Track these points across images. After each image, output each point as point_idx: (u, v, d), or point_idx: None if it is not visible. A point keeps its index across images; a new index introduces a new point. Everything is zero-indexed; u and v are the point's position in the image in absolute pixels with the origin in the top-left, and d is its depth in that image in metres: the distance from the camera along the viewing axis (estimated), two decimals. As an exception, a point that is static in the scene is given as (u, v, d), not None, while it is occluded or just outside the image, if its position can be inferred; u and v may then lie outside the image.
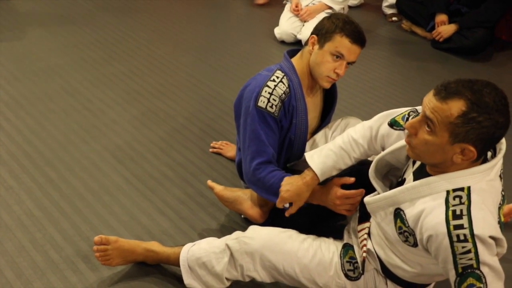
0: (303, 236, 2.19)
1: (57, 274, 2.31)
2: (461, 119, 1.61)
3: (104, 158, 3.05)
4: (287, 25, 4.56)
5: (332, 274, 2.12)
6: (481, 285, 1.66)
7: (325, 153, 2.19)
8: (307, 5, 4.60)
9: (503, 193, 1.80)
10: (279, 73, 2.41)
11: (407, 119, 2.03)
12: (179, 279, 2.26)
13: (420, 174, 1.85)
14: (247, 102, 2.39)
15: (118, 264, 2.29)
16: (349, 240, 2.19)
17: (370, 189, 2.07)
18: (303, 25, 4.54)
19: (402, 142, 1.92)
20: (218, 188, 2.53)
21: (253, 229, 2.20)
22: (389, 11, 5.32)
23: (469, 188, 1.69)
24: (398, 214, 1.84)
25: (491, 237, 1.65)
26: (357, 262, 2.11)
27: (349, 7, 5.13)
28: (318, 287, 2.15)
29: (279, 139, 2.44)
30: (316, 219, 2.48)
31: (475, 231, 1.63)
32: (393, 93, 3.99)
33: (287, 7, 4.69)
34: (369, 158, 2.42)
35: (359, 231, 2.13)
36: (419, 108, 1.96)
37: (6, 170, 2.90)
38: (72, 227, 2.55)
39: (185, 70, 4.08)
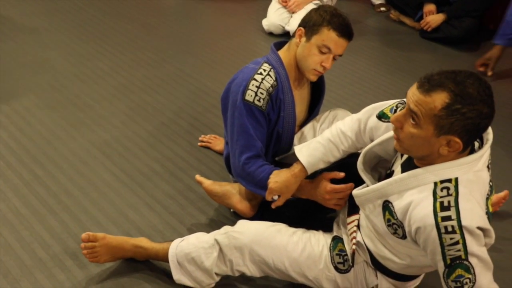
0: (292, 229, 2.18)
1: (45, 272, 2.29)
2: (445, 111, 1.60)
3: (92, 154, 3.03)
4: (275, 17, 4.54)
5: (322, 267, 2.12)
6: (470, 276, 1.66)
7: (313, 146, 2.19)
8: (295, -4, 4.57)
9: (491, 183, 1.79)
10: (266, 66, 2.39)
11: (395, 111, 2.02)
12: (168, 275, 2.25)
13: (408, 166, 1.84)
14: (234, 95, 2.37)
15: (106, 261, 2.28)
16: (338, 233, 2.18)
17: (360, 182, 2.06)
18: (291, 17, 4.51)
19: (390, 133, 1.91)
20: (207, 182, 2.52)
21: (242, 224, 2.19)
22: (377, 1, 5.31)
23: (456, 179, 1.68)
24: (387, 207, 1.84)
25: (479, 228, 1.65)
26: (347, 255, 2.10)
27: (337, -3, 5.11)
28: (308, 280, 2.14)
29: (267, 132, 2.43)
30: (305, 212, 2.48)
31: (463, 222, 1.63)
32: (382, 83, 3.98)
33: (275, -2, 4.66)
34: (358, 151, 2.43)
35: (349, 224, 2.13)
36: (407, 99, 1.95)
37: (-8, 168, 2.88)
38: (60, 224, 2.53)
39: (173, 63, 4.06)
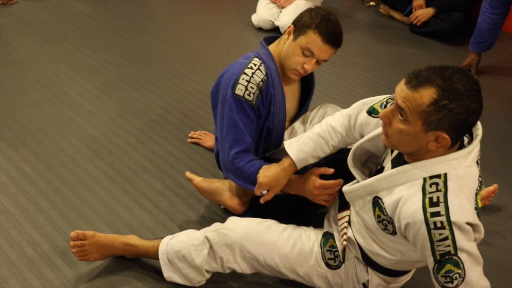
0: (282, 226, 2.18)
1: (34, 271, 2.28)
2: (433, 107, 1.60)
3: (81, 151, 3.01)
4: (265, 12, 4.52)
5: (313, 263, 2.12)
6: (459, 271, 1.66)
7: (303, 141, 2.18)
8: (284, -9, 4.56)
9: (480, 179, 1.79)
10: (256, 61, 2.38)
11: (385, 106, 2.02)
12: (159, 272, 2.24)
13: (398, 162, 1.84)
14: (224, 90, 2.36)
15: (96, 259, 2.26)
16: (329, 229, 2.18)
17: (350, 178, 2.06)
18: (281, 12, 4.50)
19: (380, 129, 1.90)
20: (197, 179, 2.51)
21: (232, 221, 2.18)
22: (366, -4, 5.30)
23: (445, 175, 1.69)
24: (377, 203, 1.84)
25: (468, 224, 1.65)
26: (337, 251, 2.10)
27: (327, -8, 5.10)
28: (299, 276, 2.14)
29: (257, 127, 2.42)
30: (296, 208, 2.47)
31: (452, 218, 1.63)
32: (372, 78, 3.98)
33: (264, -7, 4.65)
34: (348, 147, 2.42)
35: (339, 220, 2.13)
36: (397, 95, 1.95)
37: (-20, 166, 2.85)
38: (49, 223, 2.52)
39: (162, 59, 4.03)
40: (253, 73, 2.33)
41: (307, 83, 2.62)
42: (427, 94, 1.61)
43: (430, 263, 1.71)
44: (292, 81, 2.51)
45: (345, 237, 2.06)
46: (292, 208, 2.47)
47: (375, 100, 2.09)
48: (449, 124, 1.61)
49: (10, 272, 2.27)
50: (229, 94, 2.32)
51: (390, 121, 1.71)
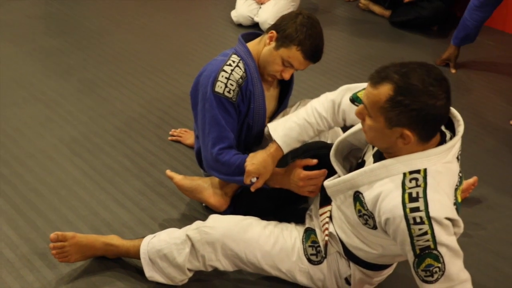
0: (264, 223, 2.17)
1: (13, 273, 2.25)
2: (389, 103, 1.63)
3: (60, 151, 2.98)
4: (244, 8, 4.51)
5: (295, 259, 2.12)
6: (439, 265, 1.67)
7: (289, 126, 2.18)
8: (263, -13, 4.55)
9: (460, 174, 1.80)
10: (235, 58, 2.37)
11: None
12: (140, 272, 2.22)
13: (379, 156, 1.85)
14: (203, 88, 2.34)
15: (76, 260, 2.24)
16: (311, 224, 2.18)
17: (332, 173, 2.06)
18: (260, 8, 4.49)
19: None
20: (178, 177, 2.49)
21: (213, 218, 2.17)
22: (346, -10, 5.31)
23: (425, 170, 1.69)
24: (357, 197, 1.84)
25: (447, 218, 1.66)
26: (319, 246, 2.11)
27: (306, -13, 5.10)
28: (281, 273, 2.14)
29: (238, 124, 2.41)
30: (278, 204, 2.47)
31: (431, 214, 1.64)
32: (352, 73, 3.98)
33: (243, -11, 4.63)
34: (328, 141, 2.43)
35: (321, 215, 2.13)
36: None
37: (-43, 168, 2.81)
38: (28, 224, 2.49)
39: (140, 57, 4.01)
40: (232, 70, 2.32)
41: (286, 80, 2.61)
42: (384, 91, 1.63)
43: (410, 257, 1.71)
44: (271, 78, 2.51)
45: (326, 232, 2.06)
46: (275, 204, 2.47)
47: (359, 87, 2.10)
48: (408, 120, 1.63)
49: (-11, 275, 2.24)
50: (209, 91, 2.31)
51: (363, 117, 1.74)
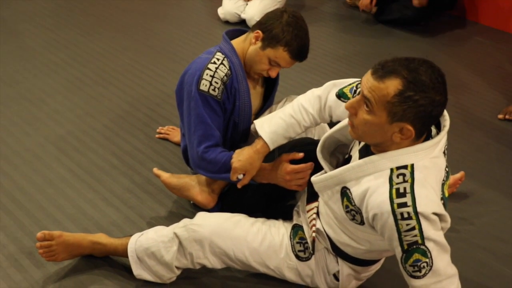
0: (251, 220, 2.17)
1: (0, 272, 2.23)
2: (398, 98, 1.61)
3: (47, 150, 2.96)
4: (230, 5, 4.50)
5: (283, 256, 2.12)
6: (427, 260, 1.68)
7: (275, 122, 2.18)
8: (250, -16, 4.54)
9: (447, 169, 1.81)
10: (219, 55, 2.36)
11: (355, 91, 2.04)
12: (128, 270, 2.22)
13: (366, 152, 1.85)
14: (188, 86, 2.34)
15: (64, 259, 2.23)
16: (298, 221, 2.18)
17: (319, 169, 2.06)
18: (247, 4, 4.48)
19: None
20: (165, 175, 2.49)
21: (201, 216, 2.17)
22: (332, -13, 5.31)
23: (412, 165, 1.69)
24: (345, 193, 1.84)
25: (434, 214, 1.66)
26: (307, 243, 2.11)
27: (293, -16, 5.10)
28: (270, 270, 2.14)
29: (223, 122, 2.40)
30: (265, 201, 2.47)
31: (418, 209, 1.64)
32: (339, 69, 3.99)
33: (230, -14, 4.62)
34: (315, 138, 2.43)
35: (308, 211, 2.13)
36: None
37: None
38: (15, 223, 2.47)
39: (127, 54, 3.99)
40: (216, 68, 2.32)
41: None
42: (393, 85, 1.61)
43: (398, 253, 1.72)
44: (256, 75, 2.51)
45: (314, 228, 2.06)
46: (262, 201, 2.47)
47: (345, 83, 2.10)
48: (414, 115, 1.62)
49: (-25, 275, 2.22)
50: (194, 90, 2.30)
51: (356, 112, 1.71)
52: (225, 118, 2.41)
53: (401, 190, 1.67)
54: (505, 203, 2.77)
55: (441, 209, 1.69)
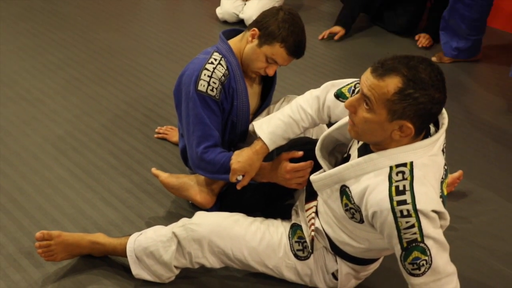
0: (250, 219, 2.17)
1: (-1, 273, 2.24)
2: (398, 95, 1.61)
3: (45, 150, 2.96)
4: (229, 5, 4.51)
5: (282, 255, 2.12)
6: (426, 258, 1.68)
7: (274, 123, 2.18)
8: (248, -16, 4.54)
9: (445, 167, 1.81)
10: (216, 55, 2.37)
11: (353, 91, 2.04)
12: (127, 270, 2.22)
13: (364, 150, 1.85)
14: (186, 87, 2.34)
15: (63, 258, 2.23)
16: (297, 220, 2.18)
17: (318, 168, 2.06)
18: (245, 4, 4.49)
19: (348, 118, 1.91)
20: (163, 175, 2.48)
21: (199, 216, 2.17)
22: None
23: (411, 163, 1.70)
24: (344, 191, 1.84)
25: (434, 211, 1.67)
26: (306, 242, 2.11)
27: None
28: (268, 269, 2.14)
29: (222, 122, 2.40)
30: (264, 201, 2.47)
31: (418, 206, 1.64)
32: (337, 69, 3.99)
33: (228, -14, 4.62)
34: (313, 137, 2.43)
35: (307, 210, 2.13)
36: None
37: None
38: (13, 223, 2.47)
39: (126, 54, 3.99)
40: (214, 68, 2.32)
41: (269, 76, 2.61)
42: (392, 83, 1.61)
43: (398, 251, 1.72)
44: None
45: (312, 227, 2.07)
46: (261, 200, 2.47)
47: (344, 83, 2.10)
48: (414, 113, 1.62)
49: (-26, 275, 2.22)
50: (192, 90, 2.30)
51: (355, 110, 1.71)
52: (223, 118, 2.41)
53: (401, 188, 1.67)
54: (503, 202, 2.78)
55: (440, 207, 1.69)
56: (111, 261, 2.30)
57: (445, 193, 1.80)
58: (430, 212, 1.65)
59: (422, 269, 1.70)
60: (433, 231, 1.67)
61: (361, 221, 1.84)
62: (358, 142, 1.94)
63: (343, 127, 1.98)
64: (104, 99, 3.43)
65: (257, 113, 2.61)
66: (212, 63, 2.33)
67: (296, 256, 2.12)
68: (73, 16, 4.54)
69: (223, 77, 2.33)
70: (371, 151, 1.80)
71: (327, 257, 2.11)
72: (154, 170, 2.49)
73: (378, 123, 1.67)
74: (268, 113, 2.59)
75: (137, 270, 2.18)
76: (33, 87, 3.51)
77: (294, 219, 2.20)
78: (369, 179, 1.75)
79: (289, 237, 2.13)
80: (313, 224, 2.07)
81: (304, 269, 2.12)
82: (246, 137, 2.53)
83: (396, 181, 1.69)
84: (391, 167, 1.72)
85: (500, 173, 2.99)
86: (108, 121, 3.22)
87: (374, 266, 2.18)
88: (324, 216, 2.04)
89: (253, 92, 2.53)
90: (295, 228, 2.14)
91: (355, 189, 1.80)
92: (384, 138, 1.72)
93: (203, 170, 2.35)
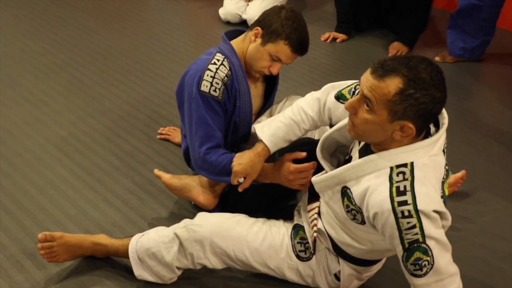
0: (252, 220, 2.17)
1: (1, 273, 2.24)
2: (399, 96, 1.61)
3: (48, 151, 2.96)
4: (232, 5, 4.51)
5: (284, 256, 2.11)
6: (428, 258, 1.68)
7: (275, 125, 2.18)
8: (250, -15, 4.55)
9: (446, 167, 1.81)
10: (219, 56, 2.37)
11: (354, 92, 2.04)
12: (129, 271, 2.22)
13: (365, 152, 1.84)
14: (189, 88, 2.34)
15: (65, 260, 2.23)
16: (299, 221, 2.18)
17: (319, 170, 2.06)
18: (248, 5, 4.49)
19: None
20: (166, 176, 2.48)
21: (201, 216, 2.17)
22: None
23: (412, 163, 1.69)
24: (345, 193, 1.84)
25: (435, 211, 1.66)
26: (308, 243, 2.11)
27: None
28: (270, 270, 2.14)
29: (224, 122, 2.40)
30: (266, 202, 2.47)
31: (419, 207, 1.64)
32: (340, 69, 3.99)
33: (231, -13, 4.62)
34: (315, 137, 2.43)
35: (309, 211, 2.13)
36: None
37: None
38: (16, 224, 2.47)
39: (128, 55, 3.99)
40: (217, 69, 2.32)
41: (271, 76, 2.61)
42: (393, 84, 1.61)
43: (399, 251, 1.72)
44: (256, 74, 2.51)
45: (315, 228, 2.06)
46: (263, 201, 2.47)
47: (344, 85, 2.10)
48: (415, 113, 1.62)
49: (-23, 276, 2.23)
50: (194, 91, 2.30)
51: (356, 111, 1.71)
52: (226, 119, 2.41)
53: (401, 188, 1.67)
54: (506, 202, 2.77)
55: (441, 207, 1.68)
56: (114, 262, 2.30)
57: (447, 193, 1.79)
58: (431, 212, 1.65)
59: (424, 269, 1.69)
60: (435, 232, 1.66)
61: (362, 222, 1.83)
62: (359, 143, 1.93)
63: (344, 129, 1.97)
64: (107, 100, 3.44)
65: (260, 113, 2.61)
66: (214, 63, 2.33)
67: (298, 257, 2.11)
68: (75, 17, 4.55)
69: (225, 78, 2.33)
70: (372, 153, 1.79)
71: (329, 258, 2.10)
72: (156, 171, 2.50)
73: (379, 124, 1.67)
74: (270, 114, 2.60)
75: (139, 271, 2.18)
76: (36, 88, 3.52)
77: (296, 220, 2.20)
78: (370, 180, 1.75)
79: (291, 238, 2.13)
80: (315, 225, 2.07)
81: (306, 270, 2.12)
82: (249, 138, 2.53)
83: (397, 182, 1.68)
84: (391, 168, 1.71)
85: (503, 173, 2.98)
86: (110, 122, 3.23)
87: (377, 267, 2.17)
88: (326, 217, 2.04)
89: (255, 93, 2.53)
90: (297, 229, 2.14)
91: (356, 191, 1.79)
92: (385, 139, 1.71)
93: (206, 171, 2.35)
